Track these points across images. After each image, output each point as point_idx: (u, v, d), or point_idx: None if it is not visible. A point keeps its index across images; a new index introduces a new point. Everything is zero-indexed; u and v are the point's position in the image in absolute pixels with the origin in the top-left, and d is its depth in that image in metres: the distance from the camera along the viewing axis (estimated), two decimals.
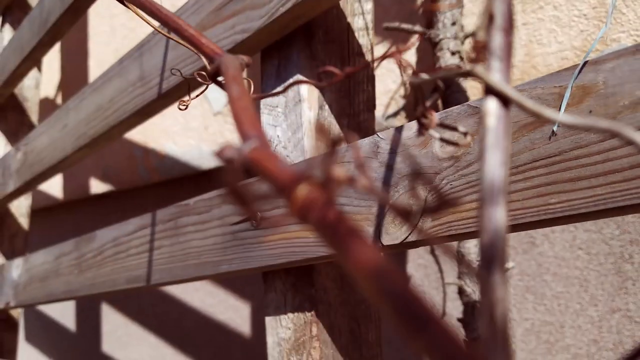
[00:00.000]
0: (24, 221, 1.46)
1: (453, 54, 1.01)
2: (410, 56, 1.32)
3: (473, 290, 0.93)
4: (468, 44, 1.09)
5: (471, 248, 0.97)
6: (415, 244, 0.48)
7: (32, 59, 1.17)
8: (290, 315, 0.64)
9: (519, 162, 0.41)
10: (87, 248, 0.92)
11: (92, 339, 2.13)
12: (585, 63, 0.38)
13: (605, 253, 1.17)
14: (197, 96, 0.50)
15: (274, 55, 0.65)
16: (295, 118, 0.63)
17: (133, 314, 1.99)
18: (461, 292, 0.97)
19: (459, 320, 0.97)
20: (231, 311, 1.71)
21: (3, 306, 1.19)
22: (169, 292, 1.88)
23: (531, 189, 0.41)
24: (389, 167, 0.50)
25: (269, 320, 0.67)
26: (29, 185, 1.16)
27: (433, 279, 1.39)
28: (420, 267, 1.42)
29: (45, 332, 2.34)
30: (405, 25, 1.06)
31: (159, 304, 1.92)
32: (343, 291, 0.64)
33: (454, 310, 1.33)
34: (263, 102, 0.68)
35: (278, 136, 0.65)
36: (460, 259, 0.98)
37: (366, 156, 0.52)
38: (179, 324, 1.85)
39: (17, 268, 1.16)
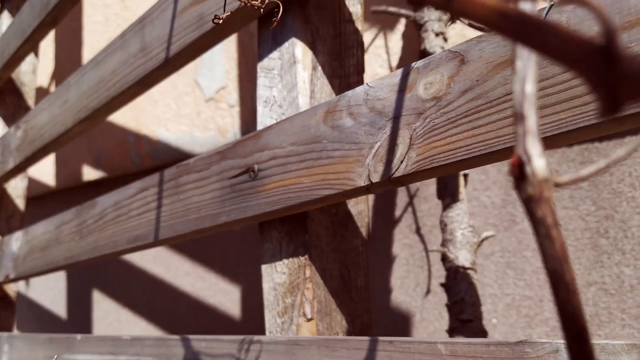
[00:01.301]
0: (20, 202, 1.49)
1: (437, 35, 1.06)
2: (397, 41, 1.38)
3: (455, 256, 0.99)
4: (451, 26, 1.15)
5: (454, 217, 1.02)
6: (402, 180, 0.54)
7: (32, 41, 1.21)
8: (285, 261, 0.69)
9: (493, 97, 0.47)
10: (88, 214, 0.97)
11: (83, 326, 2.16)
12: (551, 6, 0.44)
13: (581, 229, 1.23)
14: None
15: (271, 21, 0.70)
16: (290, 78, 0.68)
17: (123, 300, 2.03)
18: (444, 258, 1.02)
19: (442, 285, 1.02)
20: (221, 295, 1.75)
21: (2, 279, 1.22)
22: (160, 277, 1.91)
23: (504, 119, 0.46)
24: (378, 111, 0.55)
25: (265, 268, 0.72)
26: (29, 162, 1.20)
27: (418, 258, 1.44)
28: (405, 247, 1.47)
29: (36, 320, 2.37)
30: (392, 9, 1.12)
31: (149, 289, 1.95)
32: (334, 239, 0.69)
33: (439, 278, 1.38)
34: (259, 65, 0.73)
35: (274, 96, 0.70)
36: (443, 227, 1.03)
37: (357, 104, 0.57)
38: (170, 309, 1.89)
39: (16, 241, 1.20)
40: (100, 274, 2.12)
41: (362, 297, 0.71)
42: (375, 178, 0.54)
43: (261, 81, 0.72)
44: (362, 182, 0.56)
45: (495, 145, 0.46)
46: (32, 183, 2.10)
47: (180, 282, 1.84)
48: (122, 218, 0.88)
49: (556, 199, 1.25)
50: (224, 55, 1.64)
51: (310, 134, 0.61)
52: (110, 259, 0.96)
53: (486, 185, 1.40)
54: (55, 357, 1.03)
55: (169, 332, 1.89)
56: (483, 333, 0.97)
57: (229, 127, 1.59)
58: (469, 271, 0.98)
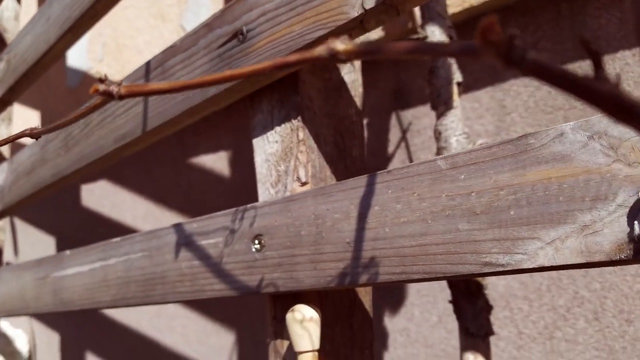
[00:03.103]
0: (5, 150, 1.47)
1: None
2: None
3: None
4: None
5: (448, 124, 1.00)
6: (395, 3, 0.52)
7: None
8: (277, 128, 0.67)
9: None
10: (73, 125, 0.94)
11: None
12: None
13: None
14: None
15: None
16: None
17: None
18: None
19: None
20: None
21: None
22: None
23: None
24: None
25: (256, 142, 0.70)
26: (14, 92, 1.17)
27: None
28: None
29: None
30: None
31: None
32: (327, 103, 0.67)
33: None
34: None
35: None
36: (437, 136, 1.01)
37: None
38: None
39: (1, 173, 1.17)
40: (90, 235, 2.09)
41: (357, 167, 0.69)
42: (369, 4, 0.53)
43: None
44: (355, 13, 0.54)
45: None
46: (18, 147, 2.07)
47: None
48: (107, 120, 0.86)
49: (549, 120, 1.24)
50: None
51: None
52: (98, 169, 0.93)
53: (479, 114, 1.38)
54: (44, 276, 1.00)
55: None
56: None
57: None
58: None
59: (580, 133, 0.41)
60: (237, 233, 0.66)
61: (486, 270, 0.45)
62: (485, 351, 0.90)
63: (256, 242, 0.64)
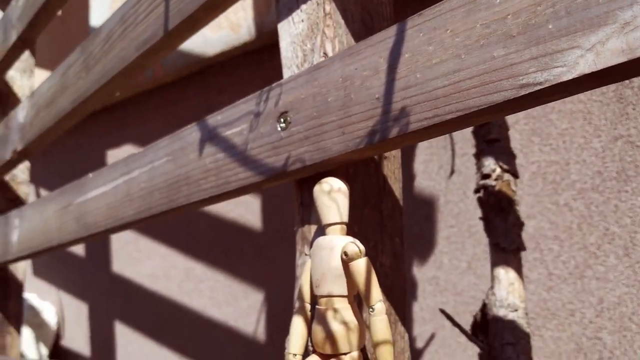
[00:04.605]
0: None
1: None
2: None
3: None
4: None
5: None
6: None
7: None
8: (303, 6, 0.65)
9: None
10: (93, 44, 0.93)
11: (101, 261, 2.14)
12: None
13: None
14: None
15: None
16: None
17: (142, 229, 2.00)
18: None
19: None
20: (242, 208, 1.71)
21: (10, 156, 1.19)
22: None
23: None
24: None
25: (281, 26, 0.68)
26: (33, 29, 1.16)
27: (441, 138, 1.40)
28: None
29: (53, 262, 2.34)
30: None
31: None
32: None
33: (462, 157, 1.33)
34: None
35: None
36: None
37: None
38: (189, 229, 1.85)
39: (22, 110, 1.16)
40: None
41: None
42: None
43: None
44: None
45: None
46: None
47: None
48: (129, 29, 0.85)
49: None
50: None
51: None
52: (118, 85, 0.92)
53: None
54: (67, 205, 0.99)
55: (189, 253, 1.86)
56: (510, 153, 0.92)
57: (242, 21, 1.55)
58: None
59: None
60: (262, 116, 0.64)
61: (523, 92, 0.43)
62: (517, 266, 0.88)
63: (281, 120, 0.62)
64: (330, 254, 0.57)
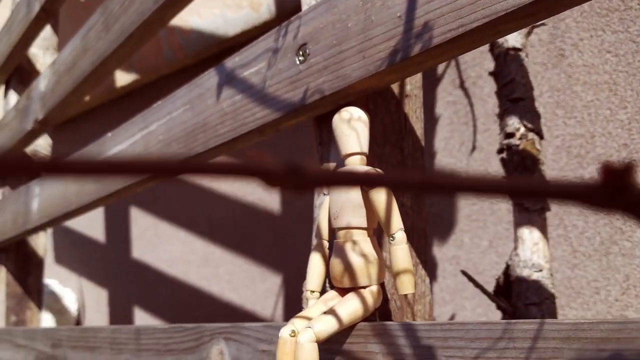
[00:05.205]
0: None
1: None
2: None
3: (505, 39, 0.92)
4: None
5: None
6: None
7: None
8: None
9: None
10: (113, 3, 0.92)
11: (121, 247, 2.14)
12: None
13: (632, 51, 1.16)
14: None
15: None
16: None
17: (162, 214, 2.00)
18: (492, 46, 0.95)
19: (491, 73, 0.96)
20: (259, 191, 1.70)
21: (31, 126, 1.19)
22: (197, 182, 1.88)
23: None
24: None
25: None
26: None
27: (462, 114, 1.38)
28: (448, 105, 1.41)
29: (74, 249, 2.35)
30: None
31: (186, 198, 1.92)
32: None
33: (483, 133, 1.30)
34: None
35: None
36: None
37: None
38: (208, 215, 1.85)
39: (44, 79, 1.16)
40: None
41: None
42: None
43: None
44: None
45: None
46: None
47: (218, 185, 1.81)
48: None
49: (605, 23, 1.18)
50: None
51: None
52: (137, 43, 0.91)
53: None
54: None
55: (209, 238, 1.85)
56: (534, 112, 0.90)
57: (262, 0, 1.54)
58: (520, 53, 0.92)
59: None
60: (280, 51, 0.63)
61: None
62: (542, 226, 0.85)
63: (300, 53, 0.61)
64: None
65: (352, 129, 0.56)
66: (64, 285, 2.28)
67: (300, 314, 0.57)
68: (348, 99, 0.58)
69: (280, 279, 1.68)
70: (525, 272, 0.83)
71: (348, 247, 0.55)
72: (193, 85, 0.76)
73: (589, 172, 1.18)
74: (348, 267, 0.55)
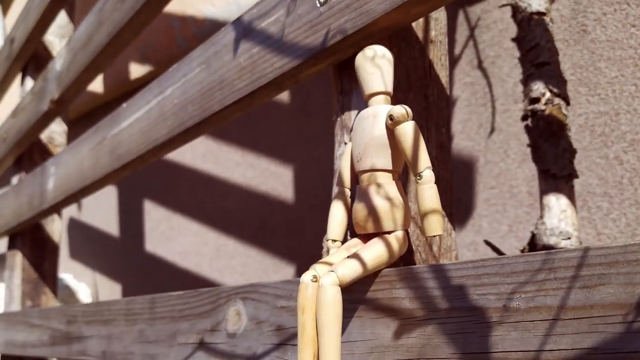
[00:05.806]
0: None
1: None
2: None
3: (528, 4, 0.89)
4: None
5: None
6: None
7: None
8: None
9: None
10: None
11: (135, 240, 2.12)
12: None
13: None
14: None
15: None
16: None
17: (174, 207, 1.98)
18: (515, 12, 0.92)
19: (514, 39, 0.93)
20: (272, 179, 1.68)
21: (47, 107, 1.18)
22: (210, 173, 1.86)
23: None
24: None
25: None
26: None
27: (480, 96, 1.35)
28: (466, 86, 1.39)
29: (89, 244, 2.34)
30: None
31: (199, 190, 1.90)
32: None
33: (502, 114, 1.27)
34: None
35: None
36: None
37: None
38: (221, 206, 1.83)
39: (60, 58, 1.15)
40: (151, 183, 2.08)
41: None
42: None
43: None
44: None
45: None
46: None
47: (230, 175, 1.79)
48: None
49: None
50: None
51: None
52: (152, 12, 0.89)
53: None
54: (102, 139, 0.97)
55: (222, 229, 1.83)
56: (560, 77, 0.87)
57: None
58: (544, 17, 0.89)
59: None
60: None
61: None
62: (569, 193, 0.82)
63: None
64: (374, 122, 0.53)
65: (376, 67, 0.53)
66: (78, 280, 2.27)
67: (322, 260, 0.54)
68: (371, 39, 0.56)
69: (294, 269, 1.65)
70: (552, 240, 0.80)
71: (372, 190, 0.53)
72: (209, 43, 0.74)
73: (614, 151, 1.15)
74: (372, 211, 0.52)
